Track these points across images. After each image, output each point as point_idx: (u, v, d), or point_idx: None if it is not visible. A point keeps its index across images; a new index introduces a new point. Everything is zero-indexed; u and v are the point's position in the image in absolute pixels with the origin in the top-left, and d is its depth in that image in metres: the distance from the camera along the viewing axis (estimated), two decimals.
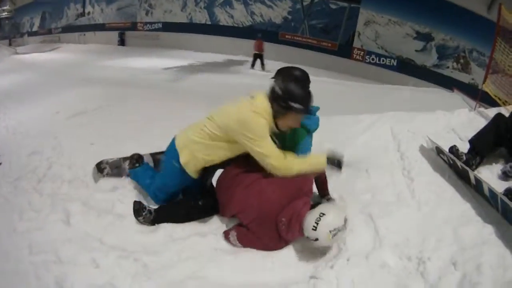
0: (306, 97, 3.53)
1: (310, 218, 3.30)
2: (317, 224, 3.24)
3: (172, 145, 3.89)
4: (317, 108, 4.13)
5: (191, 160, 3.77)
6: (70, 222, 3.94)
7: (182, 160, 3.78)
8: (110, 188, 4.55)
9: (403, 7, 21.02)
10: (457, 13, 19.53)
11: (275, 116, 3.53)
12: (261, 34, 20.83)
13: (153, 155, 4.79)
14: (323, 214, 3.28)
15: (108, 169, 4.66)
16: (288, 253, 3.56)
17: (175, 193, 4.13)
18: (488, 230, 3.56)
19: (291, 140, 3.92)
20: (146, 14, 29.68)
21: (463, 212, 3.89)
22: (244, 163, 3.71)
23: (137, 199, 4.11)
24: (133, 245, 3.66)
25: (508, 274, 3.13)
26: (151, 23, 29.36)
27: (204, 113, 3.80)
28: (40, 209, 4.24)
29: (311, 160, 3.69)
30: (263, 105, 3.50)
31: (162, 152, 4.55)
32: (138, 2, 29.78)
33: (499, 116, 4.88)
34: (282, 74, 3.88)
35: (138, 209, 3.89)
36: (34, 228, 3.89)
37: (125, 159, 4.66)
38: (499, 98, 7.36)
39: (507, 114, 4.99)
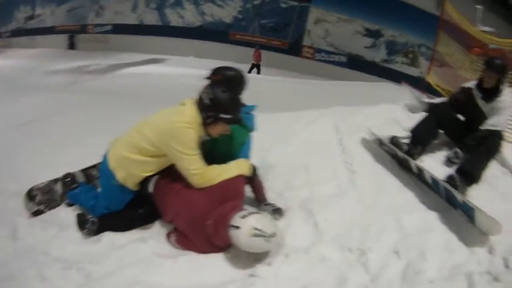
0: (234, 106, 3.53)
1: (247, 211, 3.26)
2: (249, 215, 3.20)
3: (105, 165, 3.80)
4: (253, 107, 4.13)
5: (129, 177, 3.71)
6: (17, 237, 3.81)
7: (120, 178, 3.70)
8: None
9: (353, 5, 21.40)
10: (407, 10, 20.03)
11: (205, 124, 3.50)
12: (258, 46, 20.83)
13: (85, 170, 4.58)
14: (260, 213, 3.26)
15: (40, 196, 4.22)
16: (227, 253, 3.49)
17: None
18: (432, 217, 3.61)
19: (227, 143, 3.91)
20: (97, 15, 29.28)
21: (406, 200, 3.92)
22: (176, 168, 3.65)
23: (79, 211, 4.05)
24: (76, 255, 3.57)
25: (454, 258, 3.17)
26: (101, 25, 28.98)
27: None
28: None
29: (233, 169, 3.64)
30: (192, 114, 3.48)
31: (94, 166, 4.51)
32: (89, 3, 29.32)
33: (438, 105, 4.97)
34: (213, 77, 3.91)
35: (82, 222, 3.81)
36: None
37: (55, 180, 4.38)
38: (442, 89, 7.51)
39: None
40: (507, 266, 3.09)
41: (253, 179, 3.75)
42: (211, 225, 3.37)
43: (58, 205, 4.25)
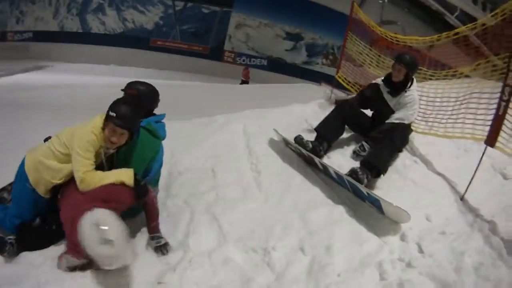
0: (121, 108, 3.49)
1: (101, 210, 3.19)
2: (98, 211, 3.15)
3: (22, 167, 3.72)
4: (163, 116, 4.12)
5: (40, 182, 3.65)
6: None
7: (32, 182, 3.64)
8: None
9: (273, 10, 21.67)
10: (326, 13, 20.49)
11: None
12: (247, 66, 20.90)
13: None
14: (112, 218, 3.14)
15: (7, 195, 4.06)
16: (137, 261, 3.39)
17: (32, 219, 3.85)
18: (339, 210, 3.71)
19: (140, 153, 3.86)
20: (17, 22, 28.16)
21: (312, 197, 4.00)
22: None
23: None
24: None
25: (365, 248, 3.29)
26: (21, 32, 27.87)
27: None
28: None
29: (112, 176, 3.55)
30: (97, 122, 3.50)
31: (3, 189, 4.29)
32: (9, 8, 28.17)
33: (342, 102, 5.08)
34: (128, 90, 4.00)
35: (0, 245, 3.68)
36: None
37: None
38: (350, 85, 7.75)
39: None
40: (421, 251, 3.24)
41: (145, 203, 3.62)
42: (68, 222, 3.36)
43: None
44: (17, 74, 19.46)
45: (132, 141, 3.67)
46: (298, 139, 4.72)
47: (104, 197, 3.38)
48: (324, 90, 10.41)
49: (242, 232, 3.57)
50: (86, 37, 25.45)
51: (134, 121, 3.54)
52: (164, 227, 3.74)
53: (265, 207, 3.92)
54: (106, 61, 21.98)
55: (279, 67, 21.17)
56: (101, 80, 16.81)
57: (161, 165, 4.08)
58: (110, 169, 3.67)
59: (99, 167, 3.61)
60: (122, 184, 3.46)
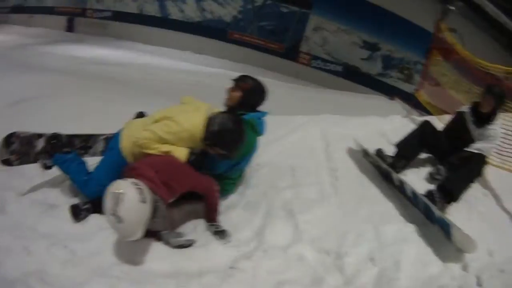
0: (232, 147, 3.68)
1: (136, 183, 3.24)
2: (132, 185, 3.19)
3: (117, 141, 3.95)
4: (265, 114, 4.26)
5: (136, 157, 3.85)
6: (6, 211, 3.86)
7: (127, 156, 3.87)
8: (45, 176, 4.35)
9: (353, 16, 21.30)
10: (405, 26, 19.98)
11: (203, 140, 3.68)
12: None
13: (69, 136, 4.49)
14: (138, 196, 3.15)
15: (17, 145, 4.11)
16: (210, 245, 3.56)
17: None
18: (410, 229, 3.71)
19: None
20: (97, 0, 28.96)
21: (386, 211, 4.03)
22: None
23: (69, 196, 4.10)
24: (63, 233, 3.62)
25: (428, 270, 3.29)
26: (101, 10, 28.62)
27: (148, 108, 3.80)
28: None
29: (173, 153, 3.72)
30: (198, 124, 3.66)
31: (78, 136, 4.51)
32: None
33: (425, 122, 5.04)
34: (242, 84, 4.16)
35: (76, 213, 3.81)
36: None
37: (39, 135, 4.26)
38: (432, 107, 7.60)
39: (437, 124, 5.24)
40: (479, 285, 3.24)
41: (208, 195, 3.78)
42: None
43: (30, 162, 4.16)
44: (97, 49, 20.07)
45: None
46: (379, 152, 4.75)
47: (164, 175, 3.50)
48: (400, 106, 10.30)
49: (317, 233, 3.64)
50: (164, 22, 25.83)
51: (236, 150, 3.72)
52: (241, 213, 3.93)
53: (340, 212, 3.97)
54: (183, 47, 22.21)
55: (354, 76, 20.84)
56: (176, 65, 17.08)
57: (251, 159, 4.25)
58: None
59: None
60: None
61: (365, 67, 20.93)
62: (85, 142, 4.65)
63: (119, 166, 3.83)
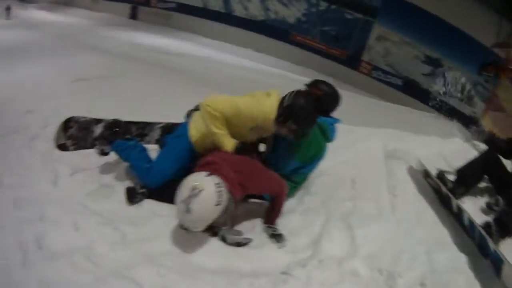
0: (305, 121, 3.72)
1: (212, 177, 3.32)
2: (209, 178, 3.29)
3: (185, 129, 4.02)
4: (337, 121, 4.35)
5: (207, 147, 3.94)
6: (58, 183, 3.98)
7: (198, 148, 3.97)
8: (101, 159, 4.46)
9: (417, 29, 20.86)
10: (469, 44, 19.45)
11: (275, 119, 3.70)
12: None
13: (127, 122, 4.58)
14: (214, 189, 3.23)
15: (75, 129, 4.18)
16: (264, 247, 3.61)
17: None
18: (462, 259, 3.67)
19: (306, 147, 4.10)
20: None
21: (440, 237, 4.00)
22: None
23: (124, 178, 4.20)
24: (115, 214, 3.70)
25: None
26: (165, 1, 29.06)
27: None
28: (30, 166, 4.27)
29: (222, 138, 3.79)
30: (272, 106, 3.70)
31: (134, 123, 4.64)
32: None
33: (489, 151, 4.94)
34: (314, 89, 4.23)
35: (132, 196, 3.91)
36: (21, 184, 3.92)
37: (98, 121, 4.33)
38: (495, 134, 7.46)
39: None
40: None
41: (276, 197, 3.80)
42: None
43: (86, 147, 4.21)
44: (159, 39, 20.39)
45: None
46: (441, 175, 4.71)
47: (242, 176, 3.54)
48: (457, 128, 10.15)
49: (372, 249, 3.63)
50: (227, 18, 25.97)
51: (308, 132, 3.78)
52: (299, 219, 3.97)
53: (397, 231, 3.96)
54: (244, 45, 22.36)
55: (413, 91, 20.43)
56: (236, 61, 17.19)
57: (318, 164, 4.31)
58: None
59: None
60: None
61: (425, 83, 20.49)
62: (142, 130, 4.77)
63: (186, 155, 3.93)
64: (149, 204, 3.91)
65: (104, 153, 4.17)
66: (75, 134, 4.15)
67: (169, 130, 4.75)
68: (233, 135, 3.82)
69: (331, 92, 4.29)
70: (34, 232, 3.27)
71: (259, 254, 3.51)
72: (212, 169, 3.43)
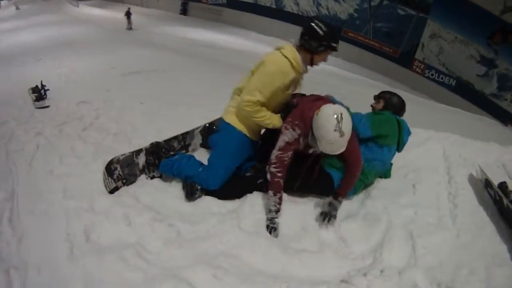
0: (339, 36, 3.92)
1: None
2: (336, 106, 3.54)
3: (223, 122, 4.07)
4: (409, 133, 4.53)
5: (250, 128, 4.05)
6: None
7: (242, 130, 4.01)
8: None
9: (472, 27, 20.25)
10: None
11: (312, 54, 3.80)
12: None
13: (167, 141, 4.56)
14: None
15: (119, 170, 4.06)
16: (323, 253, 3.53)
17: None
18: None
19: (385, 123, 4.31)
20: None
21: (500, 252, 3.77)
22: None
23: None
24: (169, 210, 3.71)
25: None
26: None
27: None
28: (81, 156, 4.38)
29: (270, 121, 3.91)
30: (292, 54, 3.75)
31: (175, 137, 4.58)
32: None
33: None
34: (386, 96, 4.54)
35: (191, 191, 3.92)
36: (72, 174, 3.98)
37: (138, 152, 4.25)
38: None
39: None
40: None
41: (348, 171, 3.98)
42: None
43: (135, 180, 4.15)
44: (210, 34, 20.54)
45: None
46: (503, 186, 4.49)
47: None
48: None
49: (432, 261, 3.50)
50: (279, 13, 26.00)
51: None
52: (361, 224, 3.89)
53: (456, 243, 3.78)
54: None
55: (466, 93, 19.93)
56: None
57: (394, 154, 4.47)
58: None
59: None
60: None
61: (479, 84, 19.92)
62: (183, 142, 4.74)
63: (241, 146, 4.02)
64: (206, 203, 3.88)
65: (152, 177, 4.21)
66: (122, 174, 4.04)
67: (210, 130, 4.81)
68: (280, 103, 4.00)
69: (396, 97, 4.55)
70: (83, 223, 3.31)
71: (318, 260, 3.43)
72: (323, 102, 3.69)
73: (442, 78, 20.67)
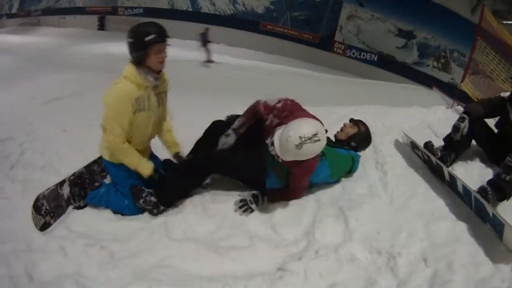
0: (154, 26, 3.60)
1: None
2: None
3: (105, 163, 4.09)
4: (360, 156, 4.50)
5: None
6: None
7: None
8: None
9: (387, 4, 20.95)
10: (441, 13, 19.56)
11: (143, 62, 3.58)
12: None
13: (87, 167, 4.42)
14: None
15: (46, 205, 3.87)
16: (254, 246, 3.49)
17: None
18: (461, 227, 3.51)
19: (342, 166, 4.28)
20: None
21: (436, 208, 3.83)
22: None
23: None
24: (100, 233, 3.65)
25: (480, 272, 3.09)
26: (132, 7, 29.07)
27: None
28: (11, 196, 4.21)
29: (136, 161, 3.81)
30: (130, 71, 3.60)
31: (95, 161, 4.46)
32: None
33: (471, 109, 4.76)
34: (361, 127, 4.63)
35: (136, 192, 3.85)
36: (4, 216, 3.85)
37: (61, 183, 4.11)
38: (477, 98, 7.36)
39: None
40: None
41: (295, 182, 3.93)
42: None
43: (64, 211, 4.04)
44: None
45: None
46: (429, 146, 4.57)
47: None
48: (439, 95, 10.12)
49: (367, 231, 3.51)
50: (196, 16, 25.99)
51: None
52: (291, 211, 3.85)
53: (390, 209, 3.82)
54: (216, 41, 22.31)
55: (389, 65, 20.52)
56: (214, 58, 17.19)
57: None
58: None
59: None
60: None
61: (400, 55, 20.59)
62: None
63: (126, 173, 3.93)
64: (133, 220, 3.85)
65: (80, 207, 4.06)
66: (49, 208, 3.87)
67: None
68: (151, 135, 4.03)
69: (369, 133, 4.66)
70: (23, 263, 3.20)
71: (251, 254, 3.40)
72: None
73: (363, 56, 21.19)
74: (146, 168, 3.80)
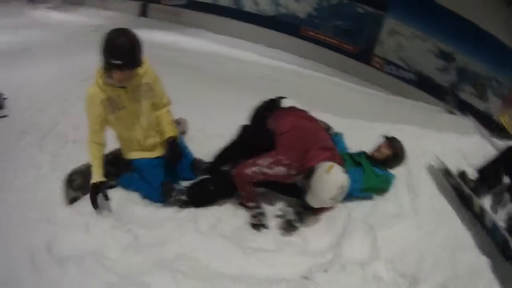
0: (126, 53, 3.40)
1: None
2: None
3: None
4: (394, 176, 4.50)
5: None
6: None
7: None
8: None
9: (429, 22, 20.63)
10: (482, 37, 19.21)
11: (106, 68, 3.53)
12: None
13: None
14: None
15: (80, 179, 3.98)
16: (281, 251, 3.53)
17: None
18: (484, 262, 3.54)
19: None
20: None
21: (462, 238, 3.87)
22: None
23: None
24: (127, 216, 3.69)
25: None
26: None
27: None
28: (40, 166, 4.27)
29: (92, 164, 3.76)
30: (97, 74, 3.63)
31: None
32: None
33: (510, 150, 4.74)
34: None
35: (167, 190, 3.91)
36: (31, 185, 3.91)
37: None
38: None
39: None
40: None
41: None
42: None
43: None
44: (170, 36, 20.40)
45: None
46: (462, 175, 4.57)
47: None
48: (474, 124, 9.99)
49: (394, 252, 3.54)
50: (238, 13, 25.95)
51: (137, 56, 3.50)
52: (321, 221, 3.91)
53: (419, 233, 3.84)
54: (255, 40, 22.17)
55: (426, 86, 20.24)
56: (248, 57, 17.16)
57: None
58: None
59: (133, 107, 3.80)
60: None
61: (439, 77, 20.31)
62: None
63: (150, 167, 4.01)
64: (163, 207, 3.87)
65: (111, 187, 4.08)
66: (81, 183, 3.96)
67: None
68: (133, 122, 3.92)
69: (403, 154, 4.51)
70: (44, 235, 3.26)
71: (278, 258, 3.43)
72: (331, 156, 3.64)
73: (401, 73, 20.94)
74: (95, 177, 3.70)
